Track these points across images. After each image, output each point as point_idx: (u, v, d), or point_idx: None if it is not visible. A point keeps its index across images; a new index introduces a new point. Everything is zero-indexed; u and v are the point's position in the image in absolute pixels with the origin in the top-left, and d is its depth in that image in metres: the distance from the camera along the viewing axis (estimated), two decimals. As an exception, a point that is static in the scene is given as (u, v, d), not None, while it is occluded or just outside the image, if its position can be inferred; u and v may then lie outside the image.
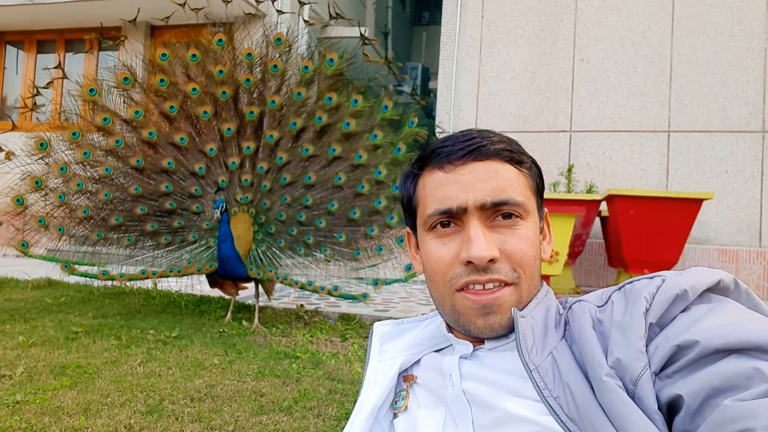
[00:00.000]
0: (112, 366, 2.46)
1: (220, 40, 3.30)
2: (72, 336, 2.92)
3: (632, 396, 0.59)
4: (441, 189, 0.75)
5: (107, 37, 7.50)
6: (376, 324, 0.93)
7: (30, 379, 2.25)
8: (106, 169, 3.33)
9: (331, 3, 3.58)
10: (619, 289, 0.71)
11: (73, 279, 3.73)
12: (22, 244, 3.42)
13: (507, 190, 0.73)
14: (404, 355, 0.86)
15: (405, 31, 13.37)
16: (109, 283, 3.85)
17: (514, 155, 0.77)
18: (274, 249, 3.36)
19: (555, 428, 0.64)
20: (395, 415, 0.84)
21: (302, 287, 3.30)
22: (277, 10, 3.96)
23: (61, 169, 3.31)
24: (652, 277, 0.68)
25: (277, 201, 3.39)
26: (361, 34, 3.46)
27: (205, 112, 3.28)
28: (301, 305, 3.69)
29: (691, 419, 0.56)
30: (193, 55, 3.27)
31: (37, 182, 3.32)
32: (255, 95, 3.32)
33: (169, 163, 3.31)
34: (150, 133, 3.29)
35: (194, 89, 3.26)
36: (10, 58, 8.03)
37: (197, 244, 3.37)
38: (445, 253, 0.75)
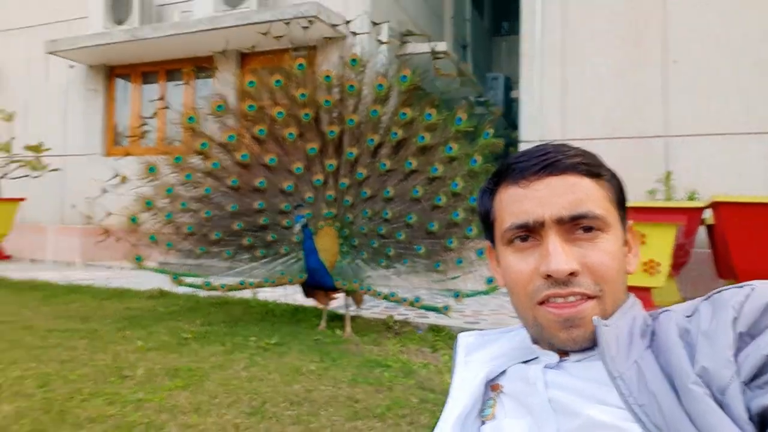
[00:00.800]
0: (218, 369, 2.66)
1: (300, 65, 3.49)
2: (183, 341, 3.17)
3: (720, 405, 0.60)
4: (517, 204, 0.77)
5: (201, 67, 8.10)
6: (461, 335, 0.95)
7: (149, 379, 2.48)
8: (206, 190, 3.60)
9: (405, 21, 3.69)
10: (707, 298, 0.71)
11: (181, 289, 4.05)
12: (137, 258, 3.74)
13: (585, 204, 0.74)
14: (489, 365, 0.87)
15: (484, 42, 13.32)
16: (213, 293, 4.13)
17: (592, 168, 0.77)
18: (358, 261, 3.49)
19: None
20: (483, 423, 0.85)
21: (385, 298, 3.40)
22: (353, 32, 4.13)
23: (168, 190, 3.62)
24: (741, 286, 0.67)
25: (359, 215, 3.52)
26: (432, 49, 3.54)
27: (290, 134, 3.48)
28: (391, 316, 3.78)
29: None
30: (277, 81, 3.48)
31: (147, 203, 3.64)
32: (335, 115, 3.47)
33: (261, 182, 3.53)
34: (243, 155, 3.53)
35: (280, 113, 3.47)
36: (119, 90, 8.81)
37: (288, 256, 3.56)
38: (524, 267, 0.76)
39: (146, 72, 8.64)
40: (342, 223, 3.53)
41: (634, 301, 0.79)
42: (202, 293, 4.42)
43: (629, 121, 5.72)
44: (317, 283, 3.40)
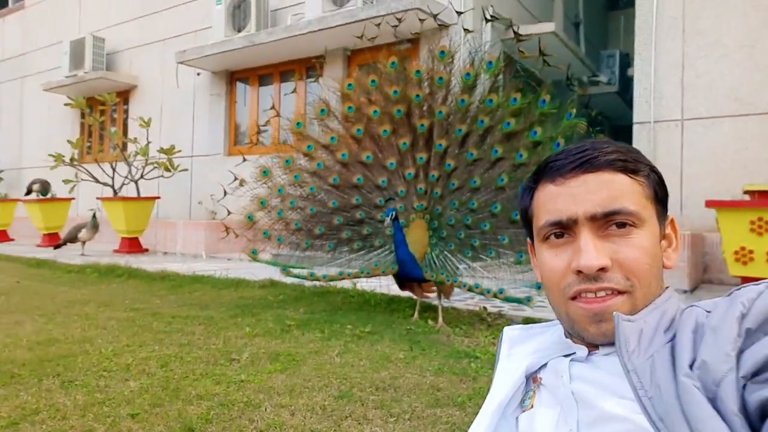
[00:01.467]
0: (315, 355, 2.84)
1: (393, 63, 3.58)
2: (286, 328, 3.41)
3: (714, 397, 0.60)
4: (552, 201, 0.79)
5: (311, 68, 8.48)
6: (506, 328, 0.99)
7: (252, 363, 2.72)
8: (311, 188, 3.84)
9: (487, 5, 3.63)
10: (729, 295, 0.70)
11: (289, 280, 4.35)
12: (252, 252, 4.10)
13: (619, 200, 0.75)
14: (531, 358, 0.90)
15: (599, 17, 12.57)
16: (317, 283, 4.40)
17: (629, 164, 0.78)
18: (445, 253, 3.54)
19: (647, 427, 0.66)
20: (523, 412, 0.88)
21: (470, 289, 3.43)
22: (457, 12, 4.12)
23: (279, 190, 3.91)
24: (758, 284, 0.67)
25: (447, 206, 3.58)
26: (514, 31, 3.47)
27: (385, 131, 3.60)
28: (484, 308, 3.78)
29: None
30: (372, 81, 3.60)
31: (261, 202, 3.96)
32: (424, 108, 3.53)
33: (358, 179, 3.69)
34: (342, 155, 3.71)
35: (375, 111, 3.60)
36: (239, 93, 9.49)
37: (382, 248, 3.70)
38: (558, 264, 0.79)
39: (263, 75, 9.23)
40: (431, 215, 3.60)
41: (669, 296, 0.79)
42: (307, 283, 4.70)
43: (759, 98, 5.16)
44: (407, 275, 3.50)
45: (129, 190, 8.73)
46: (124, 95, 10.78)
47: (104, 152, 10.84)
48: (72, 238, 8.23)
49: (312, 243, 3.94)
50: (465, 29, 3.61)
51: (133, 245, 8.64)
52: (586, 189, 0.76)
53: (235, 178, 4.21)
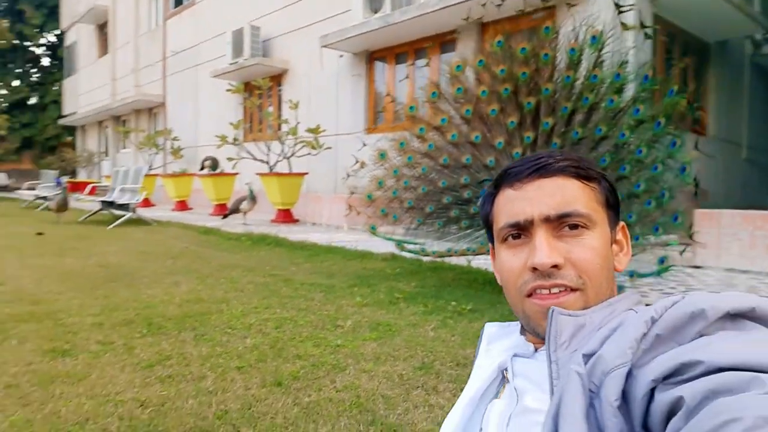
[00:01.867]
0: (411, 327, 3.05)
1: (499, 42, 3.56)
2: (394, 300, 3.66)
3: (599, 386, 0.65)
4: (510, 204, 0.86)
5: (444, 42, 8.52)
6: (486, 324, 1.05)
7: (353, 330, 3.00)
8: (423, 169, 4.00)
9: None
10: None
11: (407, 254, 4.59)
12: (372, 228, 4.41)
13: (571, 203, 0.81)
14: (505, 354, 0.95)
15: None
16: (428, 258, 4.58)
17: (581, 171, 0.83)
18: None
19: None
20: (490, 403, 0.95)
21: None
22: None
23: (394, 171, 4.14)
24: (677, 295, 0.69)
25: None
26: (615, 3, 3.23)
27: (493, 110, 3.61)
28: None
29: (686, 418, 0.57)
30: (480, 61, 3.62)
31: (379, 182, 4.22)
32: (531, 86, 3.47)
33: (467, 159, 3.76)
34: (452, 135, 3.80)
35: (483, 91, 3.62)
36: (377, 72, 9.85)
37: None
38: (515, 263, 0.85)
39: (399, 53, 9.49)
40: None
41: (623, 297, 0.83)
42: (425, 258, 4.91)
43: None
44: None
45: (283, 167, 9.61)
46: (278, 79, 11.73)
47: (262, 132, 11.97)
48: (235, 209, 9.33)
49: (424, 220, 4.13)
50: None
51: (286, 216, 9.55)
52: (541, 193, 0.82)
53: (356, 161, 4.52)
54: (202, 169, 11.61)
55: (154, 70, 17.28)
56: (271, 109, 11.59)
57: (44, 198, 12.66)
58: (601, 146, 3.38)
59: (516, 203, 0.84)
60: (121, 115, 19.78)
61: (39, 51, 31.40)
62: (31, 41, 30.44)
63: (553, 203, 0.80)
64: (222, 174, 11.39)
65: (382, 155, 4.21)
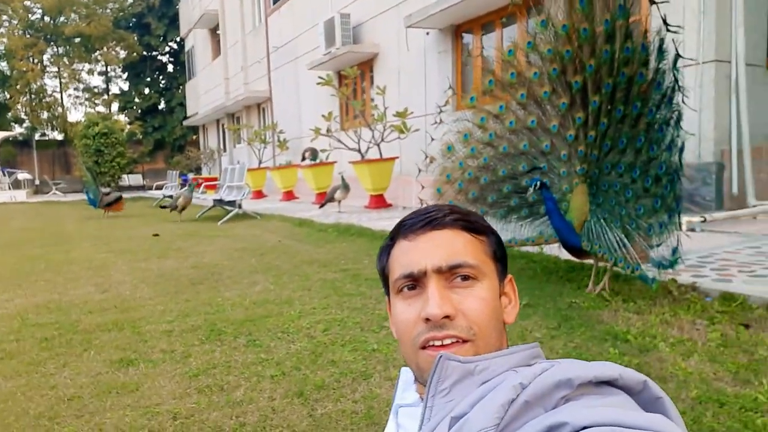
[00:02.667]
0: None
1: (543, 21, 3.32)
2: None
3: None
4: (405, 255, 0.86)
5: (529, 8, 8.04)
6: (402, 369, 1.01)
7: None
8: (484, 159, 3.89)
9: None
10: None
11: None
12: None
13: (461, 255, 0.81)
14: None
15: None
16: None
17: (470, 224, 0.85)
18: (601, 221, 3.27)
19: None
20: None
21: (615, 262, 3.18)
22: None
23: (459, 163, 4.07)
24: (553, 363, 0.69)
25: (602, 170, 3.33)
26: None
27: (545, 92, 3.42)
28: (673, 279, 3.34)
29: None
30: (528, 42, 3.41)
31: (447, 175, 4.17)
32: (576, 63, 3.25)
33: (524, 145, 3.60)
34: (510, 122, 3.65)
35: (535, 73, 3.42)
36: (464, 46, 9.58)
37: (546, 217, 3.56)
38: (410, 314, 0.84)
39: (485, 23, 9.15)
40: (591, 179, 3.35)
41: (521, 349, 0.80)
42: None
43: None
44: (565, 244, 3.36)
45: (374, 153, 9.74)
46: (369, 63, 11.83)
47: (357, 119, 12.18)
48: (330, 198, 9.65)
49: (487, 211, 4.01)
50: None
51: (379, 201, 9.71)
52: (432, 244, 0.82)
53: (426, 156, 4.48)
54: (303, 159, 12.11)
55: (260, 67, 18.21)
56: (360, 98, 11.74)
57: (170, 197, 13.98)
58: (640, 124, 3.20)
59: (410, 254, 0.85)
60: (234, 113, 21.16)
61: (164, 59, 34.39)
62: (156, 50, 33.41)
63: (445, 254, 0.81)
64: (321, 164, 11.80)
65: (449, 148, 4.15)
